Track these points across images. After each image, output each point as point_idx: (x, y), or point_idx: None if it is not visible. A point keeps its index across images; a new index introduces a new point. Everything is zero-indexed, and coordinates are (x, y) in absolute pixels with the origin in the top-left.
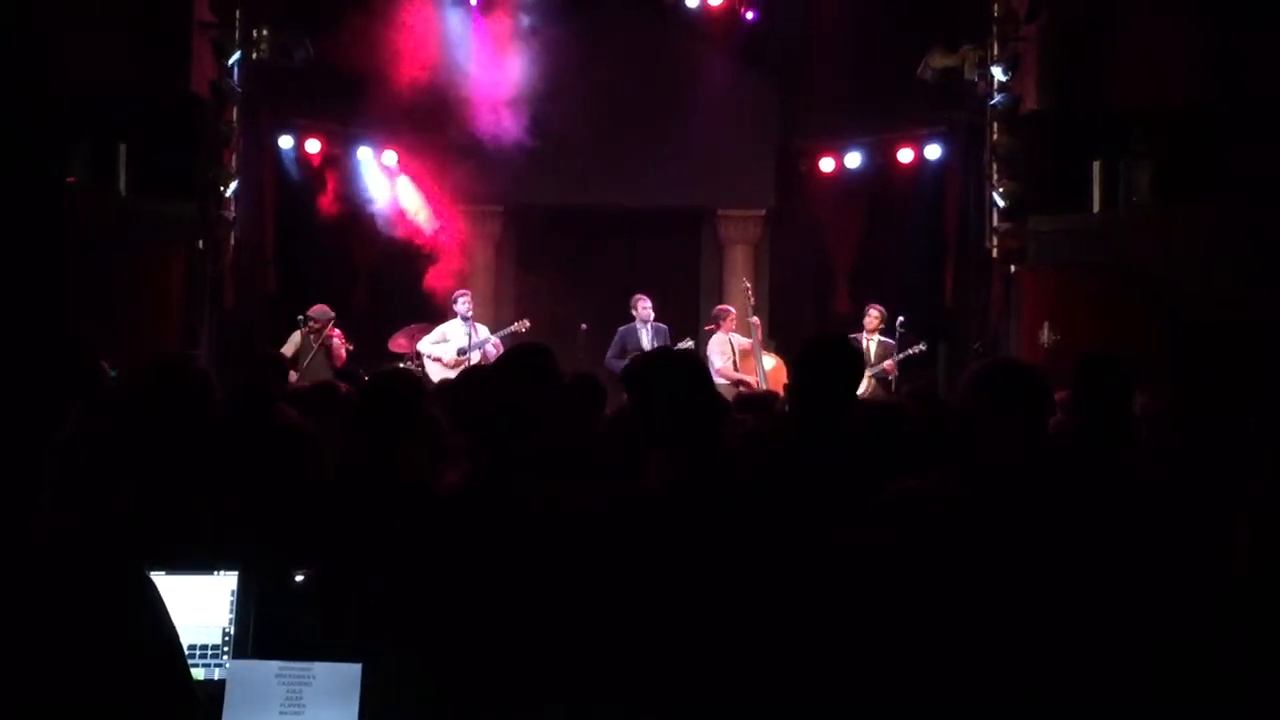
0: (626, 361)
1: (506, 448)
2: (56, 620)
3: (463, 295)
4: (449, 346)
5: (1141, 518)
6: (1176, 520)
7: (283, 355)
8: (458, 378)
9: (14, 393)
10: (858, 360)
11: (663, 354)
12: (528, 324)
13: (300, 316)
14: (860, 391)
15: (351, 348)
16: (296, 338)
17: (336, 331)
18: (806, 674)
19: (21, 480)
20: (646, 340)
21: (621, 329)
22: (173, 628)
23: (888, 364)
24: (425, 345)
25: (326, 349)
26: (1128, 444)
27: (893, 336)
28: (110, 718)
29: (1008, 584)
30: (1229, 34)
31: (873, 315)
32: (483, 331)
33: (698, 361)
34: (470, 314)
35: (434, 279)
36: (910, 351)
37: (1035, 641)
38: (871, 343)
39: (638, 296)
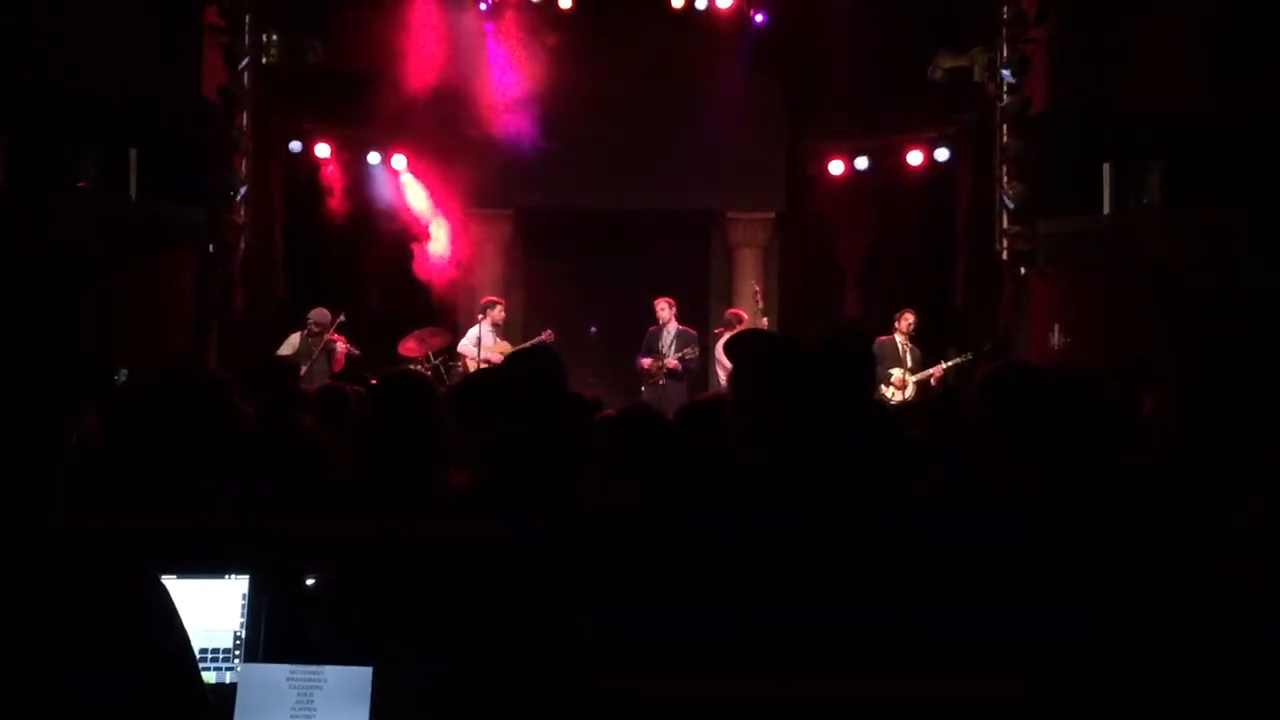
0: (642, 360)
1: (513, 450)
2: (68, 625)
3: (498, 303)
4: (493, 350)
5: (1149, 523)
6: (1181, 524)
7: (294, 360)
8: (463, 381)
9: (26, 398)
10: (871, 361)
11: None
12: (551, 335)
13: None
14: (906, 397)
15: (357, 353)
16: (295, 339)
17: (340, 337)
18: (812, 678)
19: (34, 485)
20: (665, 343)
21: (651, 329)
22: (184, 633)
23: (935, 371)
24: (467, 348)
25: (329, 353)
26: (1137, 447)
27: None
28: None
29: (1013, 587)
30: (1239, 35)
31: (907, 319)
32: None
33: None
34: (502, 321)
35: (443, 282)
36: (958, 360)
37: (1036, 646)
38: (907, 348)
39: (656, 300)
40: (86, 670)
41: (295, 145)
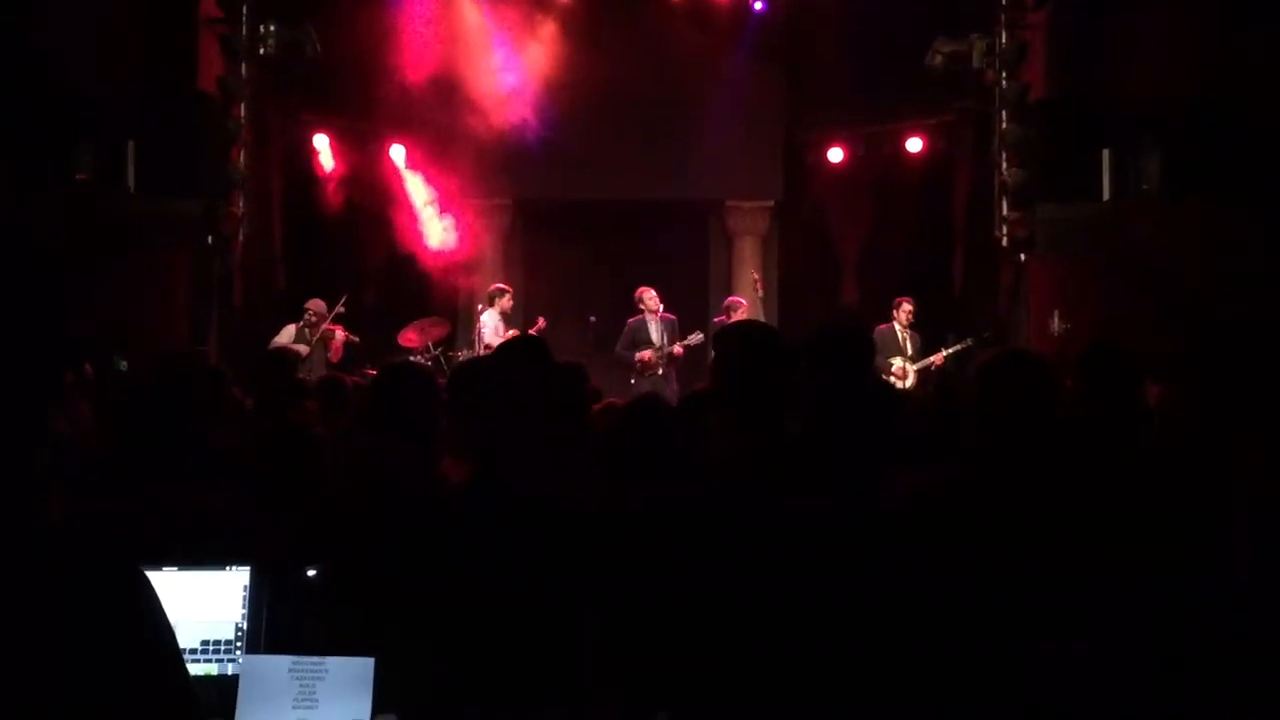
0: (641, 353)
1: (508, 440)
2: (50, 622)
3: (506, 290)
4: (501, 339)
5: (1146, 512)
6: (1180, 516)
7: (296, 352)
8: (455, 370)
9: (21, 391)
10: (870, 347)
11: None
12: (543, 322)
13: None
14: (908, 386)
15: (356, 339)
16: (290, 330)
17: (339, 327)
18: (821, 671)
19: (22, 480)
20: (655, 333)
21: (631, 321)
22: (168, 626)
23: (936, 358)
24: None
25: (325, 343)
26: (1138, 435)
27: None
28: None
29: (1012, 577)
30: (1238, 23)
31: (905, 307)
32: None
33: (787, 344)
34: (509, 309)
35: (443, 273)
36: (959, 346)
37: (1036, 637)
38: (906, 336)
39: (642, 289)
40: (69, 668)
41: (294, 137)
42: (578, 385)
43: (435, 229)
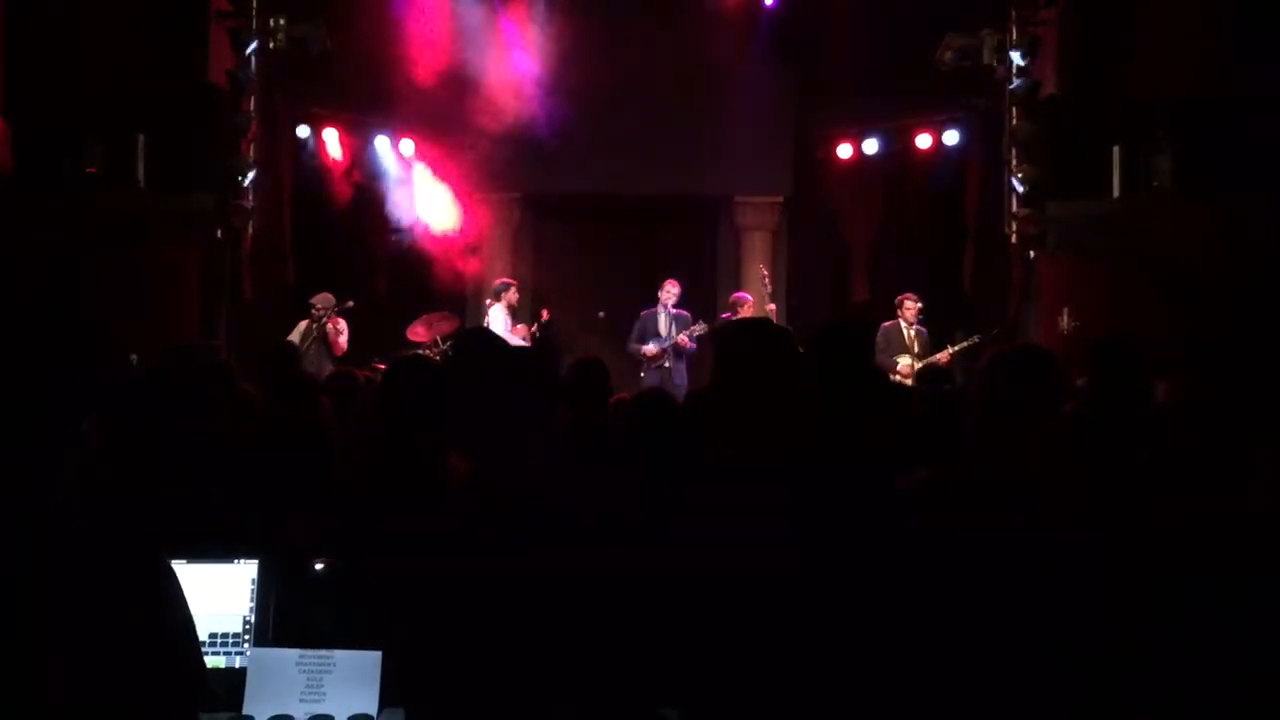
0: (646, 346)
1: (483, 431)
2: (69, 608)
3: (512, 284)
4: (508, 333)
5: (1153, 512)
6: (1186, 514)
7: (295, 345)
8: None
9: (35, 386)
10: (867, 344)
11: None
12: (547, 314)
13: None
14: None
15: (344, 333)
16: (303, 326)
17: (337, 320)
18: (829, 668)
19: (43, 472)
20: (664, 326)
21: (644, 313)
22: (188, 615)
23: (942, 356)
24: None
25: (324, 337)
26: (1147, 433)
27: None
28: (123, 706)
29: (1013, 575)
30: (1250, 19)
31: (909, 306)
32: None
33: (792, 341)
34: (516, 303)
35: (451, 267)
36: (965, 344)
37: (1042, 631)
38: (911, 332)
39: (666, 281)
40: (91, 655)
41: (303, 130)
42: (549, 373)
43: (443, 223)
